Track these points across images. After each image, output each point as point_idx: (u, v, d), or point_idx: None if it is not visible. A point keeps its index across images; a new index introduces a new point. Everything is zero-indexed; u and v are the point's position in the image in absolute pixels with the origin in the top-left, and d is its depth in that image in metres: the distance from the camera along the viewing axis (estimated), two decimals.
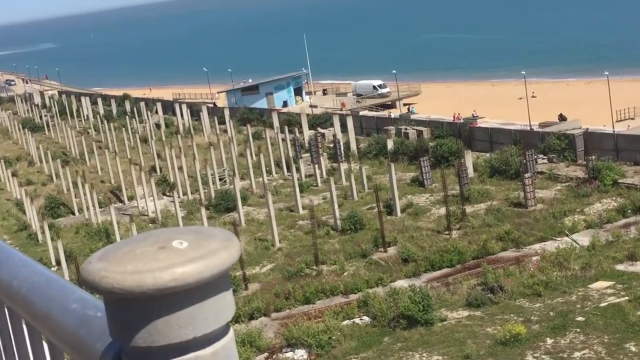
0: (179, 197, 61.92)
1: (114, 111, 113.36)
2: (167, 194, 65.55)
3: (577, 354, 33.09)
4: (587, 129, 64.61)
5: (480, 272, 41.72)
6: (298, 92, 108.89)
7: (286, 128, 77.43)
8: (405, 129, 75.90)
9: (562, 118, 74.55)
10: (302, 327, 37.38)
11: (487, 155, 64.50)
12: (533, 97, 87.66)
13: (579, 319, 36.01)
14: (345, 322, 38.71)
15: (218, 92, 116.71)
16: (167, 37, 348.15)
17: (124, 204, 67.08)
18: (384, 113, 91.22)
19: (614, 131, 63.11)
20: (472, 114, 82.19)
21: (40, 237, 57.89)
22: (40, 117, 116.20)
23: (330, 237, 51.00)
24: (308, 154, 71.01)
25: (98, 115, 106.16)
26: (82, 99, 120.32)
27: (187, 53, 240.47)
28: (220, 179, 68.55)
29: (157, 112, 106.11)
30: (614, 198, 51.43)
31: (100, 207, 61.44)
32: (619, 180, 53.64)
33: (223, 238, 1.38)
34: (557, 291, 39.12)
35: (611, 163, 55.22)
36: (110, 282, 1.29)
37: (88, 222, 60.99)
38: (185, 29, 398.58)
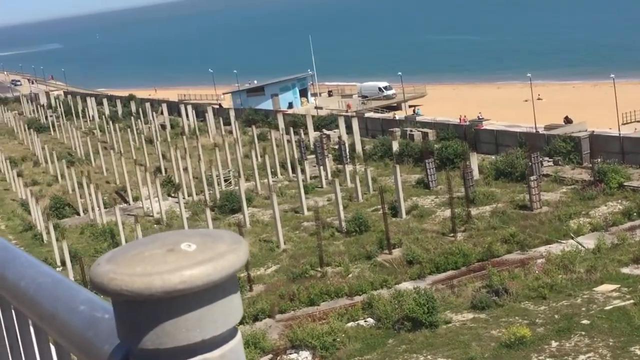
0: (184, 198, 62.02)
1: (120, 112, 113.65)
2: (172, 194, 65.54)
3: (582, 357, 33.03)
4: (593, 131, 64.50)
5: (485, 274, 41.69)
6: (303, 93, 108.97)
7: (291, 129, 77.41)
8: (411, 130, 75.86)
9: (567, 120, 74.45)
10: (306, 328, 37.36)
11: (493, 157, 64.44)
12: (539, 99, 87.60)
13: (584, 322, 35.94)
14: (349, 324, 38.68)
15: (223, 93, 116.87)
16: (175, 37, 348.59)
17: (129, 204, 67.09)
18: (389, 115, 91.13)
19: (619, 134, 63.04)
20: (478, 116, 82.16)
21: (45, 237, 57.95)
22: (46, 118, 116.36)
23: (335, 239, 50.97)
24: (313, 156, 70.97)
25: (103, 116, 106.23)
26: (88, 99, 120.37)
27: (194, 54, 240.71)
28: (226, 180, 68.55)
29: (162, 113, 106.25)
30: (620, 201, 51.34)
31: (105, 208, 61.47)
32: (625, 183, 53.56)
33: (231, 241, 1.38)
34: (562, 294, 39.06)
35: (617, 166, 55.15)
36: (119, 284, 1.29)
37: (93, 223, 61.08)
38: (193, 30, 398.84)
